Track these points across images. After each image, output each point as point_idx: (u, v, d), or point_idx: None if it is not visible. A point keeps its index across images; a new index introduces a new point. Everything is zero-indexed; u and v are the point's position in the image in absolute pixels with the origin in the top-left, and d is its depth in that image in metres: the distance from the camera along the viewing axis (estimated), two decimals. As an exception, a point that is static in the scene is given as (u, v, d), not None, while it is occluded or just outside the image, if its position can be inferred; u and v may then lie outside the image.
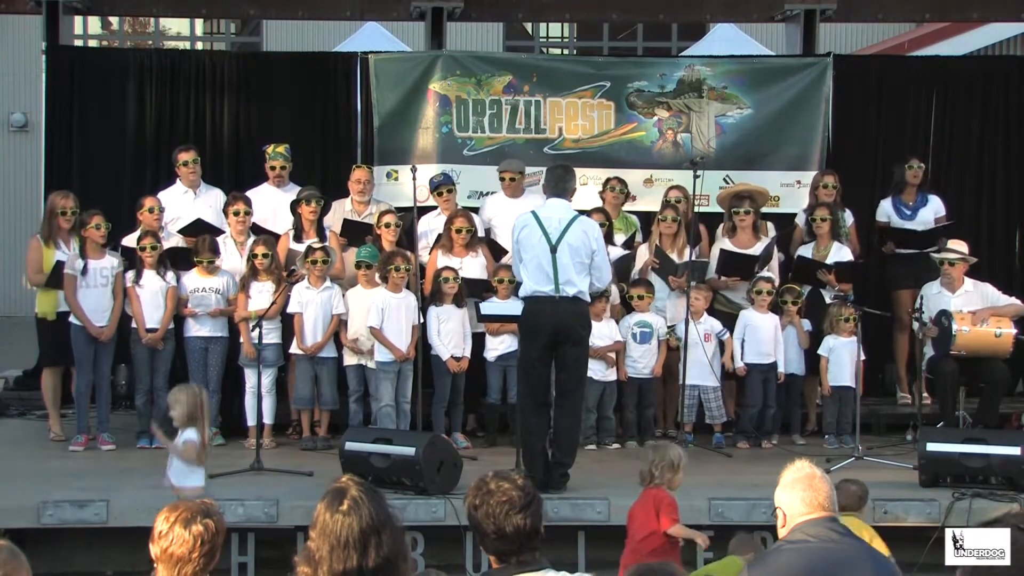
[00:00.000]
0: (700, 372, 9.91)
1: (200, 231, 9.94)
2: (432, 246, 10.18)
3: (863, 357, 9.82)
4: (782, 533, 4.52)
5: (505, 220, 9.79)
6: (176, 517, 3.99)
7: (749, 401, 10.04)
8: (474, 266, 10.01)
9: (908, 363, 10.83)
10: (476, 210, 10.50)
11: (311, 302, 9.66)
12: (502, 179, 10.41)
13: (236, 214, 9.93)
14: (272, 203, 10.33)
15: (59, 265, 9.71)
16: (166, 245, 9.92)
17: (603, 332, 9.83)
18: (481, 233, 10.25)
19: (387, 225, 9.96)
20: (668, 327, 10.12)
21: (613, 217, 10.36)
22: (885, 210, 10.85)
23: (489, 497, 3.85)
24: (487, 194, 10.91)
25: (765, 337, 9.96)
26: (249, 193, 10.23)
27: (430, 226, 10.28)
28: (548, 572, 3.87)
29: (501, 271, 9.75)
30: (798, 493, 4.50)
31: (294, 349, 9.74)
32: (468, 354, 9.85)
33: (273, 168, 10.38)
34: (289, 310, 9.68)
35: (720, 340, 10.02)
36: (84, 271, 9.49)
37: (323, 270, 9.65)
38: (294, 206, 10.10)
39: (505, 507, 3.82)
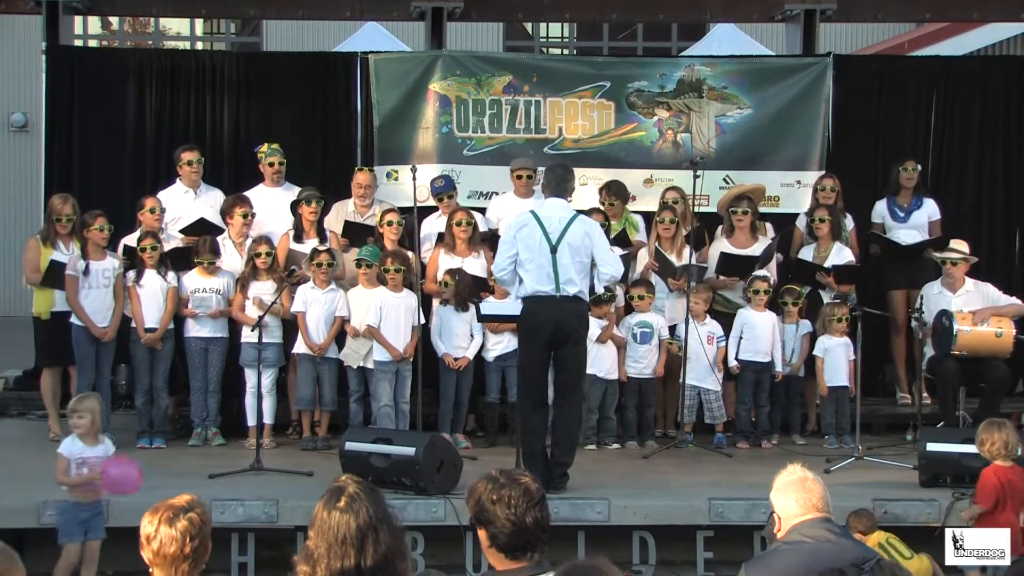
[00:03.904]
0: (702, 373, 9.92)
1: (203, 230, 9.94)
2: (438, 240, 10.17)
3: (853, 356, 9.80)
4: (778, 537, 4.53)
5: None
6: (159, 518, 3.99)
7: (739, 400, 10.05)
8: (475, 267, 10.01)
9: (907, 363, 10.84)
10: (479, 210, 10.49)
11: (315, 302, 9.66)
12: (518, 176, 10.34)
13: (244, 216, 9.93)
14: (269, 203, 10.30)
15: (53, 264, 9.74)
16: (166, 245, 9.93)
17: (602, 327, 9.85)
18: (485, 229, 10.25)
19: (389, 224, 9.97)
20: (669, 328, 10.12)
21: (614, 220, 10.35)
22: (879, 211, 10.84)
23: (508, 489, 3.84)
24: (489, 194, 10.92)
25: (762, 336, 9.97)
26: (245, 194, 10.22)
27: (432, 228, 10.27)
28: (551, 575, 3.87)
29: (498, 271, 9.77)
30: (792, 495, 4.52)
31: (298, 348, 9.74)
32: (470, 355, 9.85)
33: (272, 164, 10.36)
34: (293, 309, 9.68)
35: (717, 345, 10.01)
36: (86, 272, 9.49)
37: (328, 272, 9.66)
38: (294, 206, 10.10)
39: (525, 499, 3.83)
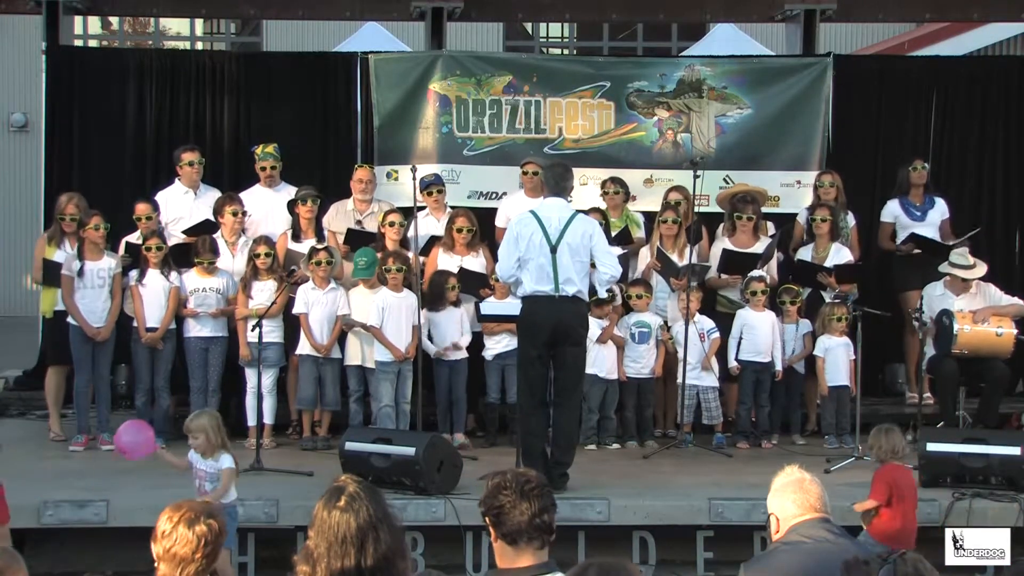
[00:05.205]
0: (699, 372, 9.91)
1: (207, 231, 9.94)
2: (427, 245, 10.14)
3: (853, 356, 9.80)
4: (776, 538, 4.53)
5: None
6: (180, 517, 3.98)
7: (739, 399, 10.05)
8: (474, 266, 10.02)
9: (896, 363, 10.86)
10: (478, 211, 10.48)
11: (317, 302, 9.66)
12: (524, 172, 10.36)
13: (234, 214, 9.94)
14: (265, 204, 10.31)
15: (47, 264, 9.78)
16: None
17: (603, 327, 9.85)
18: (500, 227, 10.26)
19: (391, 224, 9.96)
20: (663, 326, 10.11)
21: (615, 216, 10.36)
22: (892, 211, 10.83)
23: (507, 474, 3.92)
24: (489, 194, 10.94)
25: (762, 336, 9.96)
26: (242, 195, 10.20)
27: (423, 231, 10.19)
28: (557, 575, 3.88)
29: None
30: (789, 496, 4.52)
31: (301, 349, 9.74)
32: (463, 344, 9.86)
33: (264, 169, 10.37)
34: (295, 310, 9.68)
35: (709, 338, 10.00)
36: (80, 272, 9.50)
37: (327, 271, 9.66)
38: (291, 206, 10.10)
39: (520, 479, 3.88)
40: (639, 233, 10.54)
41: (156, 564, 4.00)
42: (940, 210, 10.80)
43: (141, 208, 9.97)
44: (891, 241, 10.87)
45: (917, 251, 10.65)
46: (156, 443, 7.41)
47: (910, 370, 10.98)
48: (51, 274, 9.78)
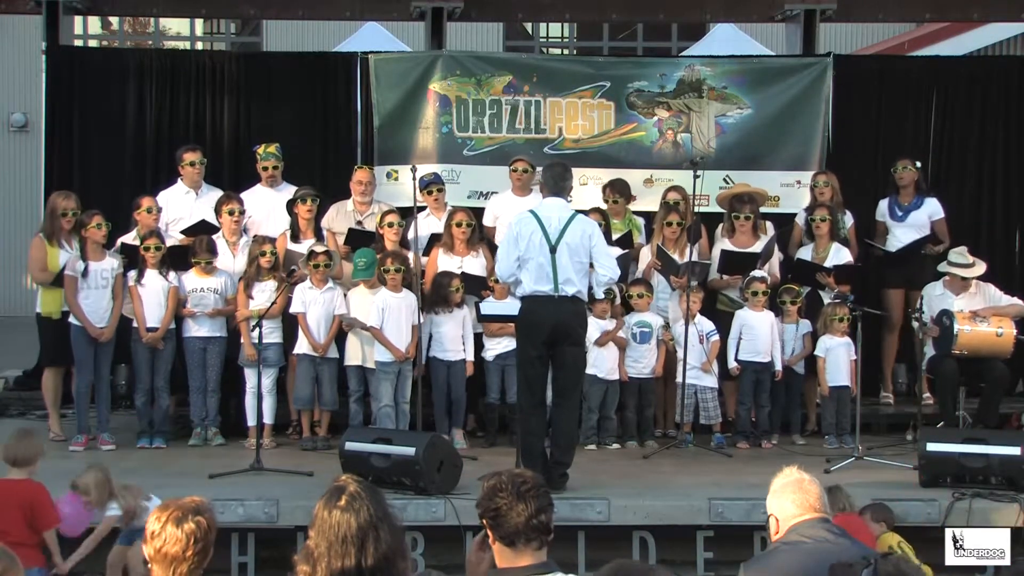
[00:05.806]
0: (698, 372, 9.91)
1: (205, 231, 9.94)
2: (428, 244, 10.14)
3: (854, 356, 9.80)
4: (775, 539, 4.53)
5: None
6: (168, 516, 3.98)
7: (739, 400, 10.05)
8: (474, 266, 10.02)
9: (896, 363, 10.88)
10: (477, 210, 10.48)
11: (314, 302, 9.66)
12: (514, 170, 10.38)
13: (231, 213, 9.94)
14: (266, 204, 10.32)
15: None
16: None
17: (604, 330, 9.84)
18: (488, 226, 10.24)
19: (390, 225, 9.96)
20: (662, 326, 10.11)
21: (617, 220, 10.35)
22: (881, 210, 10.85)
23: (503, 476, 3.92)
24: (489, 194, 10.93)
25: (761, 336, 9.96)
26: (243, 194, 10.21)
27: (424, 231, 10.21)
28: (557, 575, 3.88)
29: (498, 271, 9.75)
30: (789, 496, 4.52)
31: (300, 349, 9.74)
32: (470, 356, 9.87)
33: (265, 168, 10.37)
34: (292, 310, 9.68)
35: (709, 340, 10.00)
36: (85, 273, 9.48)
37: (325, 273, 9.66)
38: (290, 206, 10.10)
39: (517, 481, 3.88)
40: (640, 239, 10.54)
41: (149, 565, 4.00)
42: (928, 210, 10.75)
43: (147, 201, 9.97)
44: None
45: (880, 254, 10.71)
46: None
47: (885, 369, 10.98)
48: (61, 275, 9.75)
